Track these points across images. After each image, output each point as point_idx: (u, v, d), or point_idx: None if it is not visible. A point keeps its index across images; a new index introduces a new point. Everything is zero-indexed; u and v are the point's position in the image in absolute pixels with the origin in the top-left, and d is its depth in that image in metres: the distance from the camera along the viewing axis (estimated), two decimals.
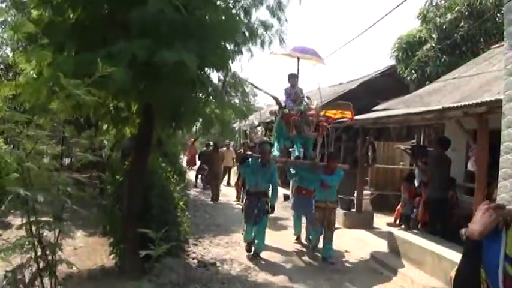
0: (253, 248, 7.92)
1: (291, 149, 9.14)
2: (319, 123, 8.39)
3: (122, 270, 6.03)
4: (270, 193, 7.89)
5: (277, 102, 8.69)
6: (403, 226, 8.82)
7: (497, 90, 6.09)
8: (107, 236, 6.79)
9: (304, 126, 8.18)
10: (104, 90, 4.99)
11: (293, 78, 9.13)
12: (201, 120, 6.41)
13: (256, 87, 9.36)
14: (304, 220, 9.01)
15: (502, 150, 5.40)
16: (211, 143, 18.76)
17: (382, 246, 8.48)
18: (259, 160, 7.68)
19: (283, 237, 9.52)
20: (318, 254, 8.15)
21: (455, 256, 6.51)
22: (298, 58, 9.73)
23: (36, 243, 3.24)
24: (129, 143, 7.92)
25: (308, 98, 8.92)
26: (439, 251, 6.90)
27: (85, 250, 7.53)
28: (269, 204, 7.74)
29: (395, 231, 8.64)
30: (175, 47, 4.54)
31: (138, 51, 4.40)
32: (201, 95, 6.05)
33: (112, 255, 6.49)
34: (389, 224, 9.81)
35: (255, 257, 7.70)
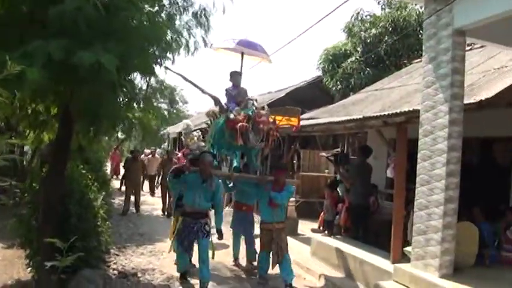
0: (188, 279, 6.86)
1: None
2: (270, 131, 7.00)
3: (39, 284, 5.65)
4: (212, 213, 6.81)
5: (218, 103, 7.41)
6: (326, 232, 8.97)
7: (416, 102, 6.39)
8: (25, 248, 6.35)
9: (252, 135, 6.79)
10: (19, 91, 4.67)
11: (236, 76, 7.91)
12: (121, 125, 6.18)
13: (193, 83, 7.38)
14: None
15: (419, 157, 5.70)
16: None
17: (305, 251, 8.60)
18: (199, 174, 6.33)
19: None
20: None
21: (376, 260, 6.74)
22: (243, 54, 8.33)
23: None
24: (48, 148, 7.51)
25: (254, 100, 7.51)
26: (360, 255, 7.10)
27: (1, 263, 7.02)
28: (210, 228, 6.52)
29: (318, 236, 8.80)
30: (94, 47, 4.33)
31: (55, 51, 4.14)
32: (122, 98, 5.82)
33: (29, 268, 6.07)
34: (313, 230, 9.96)
35: None
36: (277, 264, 6.71)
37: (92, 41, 4.40)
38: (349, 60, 15.94)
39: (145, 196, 17.14)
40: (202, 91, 7.52)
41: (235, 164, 7.82)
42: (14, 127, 9.69)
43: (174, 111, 48.21)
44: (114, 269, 7.05)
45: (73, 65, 4.20)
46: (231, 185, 7.67)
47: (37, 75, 3.94)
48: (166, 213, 13.05)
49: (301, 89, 16.76)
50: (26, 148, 14.49)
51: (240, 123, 6.75)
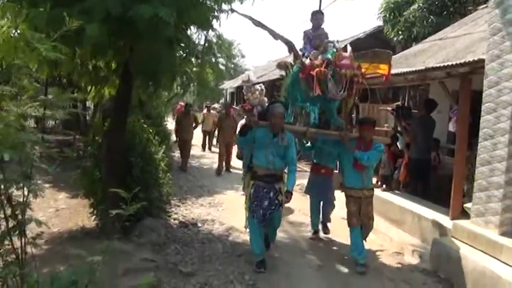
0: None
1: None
2: (354, 78, 5.49)
3: (103, 231, 6.02)
4: (285, 175, 5.77)
5: (292, 49, 6.20)
6: (384, 187, 8.85)
7: (481, 51, 6.01)
8: (89, 198, 6.72)
9: (331, 83, 5.46)
10: (79, 47, 4.83)
11: (318, 16, 6.76)
12: (179, 80, 6.28)
13: (264, 27, 6.21)
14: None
15: (483, 110, 5.43)
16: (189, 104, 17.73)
17: None
18: (270, 129, 5.46)
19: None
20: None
21: (434, 215, 6.62)
22: None
23: (5, 201, 3.17)
24: (110, 103, 7.79)
25: (335, 42, 6.07)
26: (418, 210, 7.00)
27: (67, 212, 7.51)
28: (284, 191, 5.54)
29: (376, 191, 8.70)
30: (151, 1, 4.38)
31: (113, 6, 4.23)
32: (179, 53, 5.88)
33: (93, 217, 6.46)
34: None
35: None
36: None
37: None
38: (411, 8, 15.11)
39: (203, 151, 17.66)
40: (275, 35, 6.27)
41: (312, 119, 6.67)
42: (76, 83, 10.09)
43: (232, 65, 48.35)
44: (175, 219, 7.36)
45: (131, 20, 4.28)
46: (309, 144, 6.80)
47: (96, 31, 4.05)
48: (220, 172, 12.84)
49: (361, 40, 16.17)
50: (88, 104, 15.10)
51: (318, 69, 5.50)
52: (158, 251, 5.72)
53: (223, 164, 12.96)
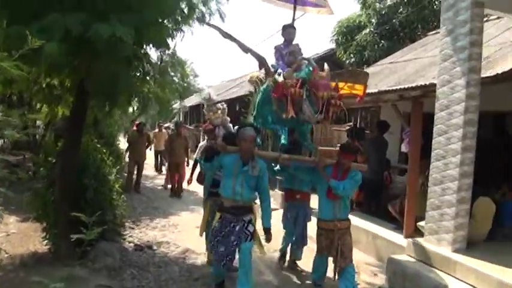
0: None
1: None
2: (331, 100, 4.98)
3: (56, 256, 5.78)
4: (260, 207, 5.13)
5: (264, 65, 5.74)
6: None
7: (431, 75, 6.29)
8: (40, 221, 6.45)
9: (306, 104, 5.01)
10: (36, 66, 4.69)
11: (290, 30, 6.20)
12: (137, 99, 6.20)
13: (234, 40, 5.83)
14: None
15: (435, 132, 5.64)
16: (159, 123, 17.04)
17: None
18: (239, 155, 4.84)
19: None
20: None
21: (389, 234, 6.77)
22: (295, 5, 6.74)
23: None
24: (62, 123, 7.56)
25: (309, 60, 5.55)
26: (373, 229, 7.13)
27: (18, 236, 7.14)
28: (254, 227, 4.98)
29: None
30: (110, 20, 4.32)
31: (72, 24, 4.14)
32: (138, 73, 5.82)
33: (45, 241, 6.20)
34: None
35: None
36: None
37: (107, 14, 4.40)
38: (363, 33, 15.68)
39: (156, 172, 17.33)
40: (245, 49, 5.90)
41: (282, 141, 6.15)
42: (27, 101, 9.76)
43: (185, 84, 47.96)
44: (130, 242, 7.17)
45: (90, 39, 4.20)
46: (277, 167, 6.02)
47: (55, 50, 3.96)
48: (175, 193, 12.25)
49: (321, 57, 16.58)
50: (38, 122, 14.58)
51: (292, 89, 4.97)
52: (114, 276, 5.53)
53: (175, 185, 12.36)
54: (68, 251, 5.53)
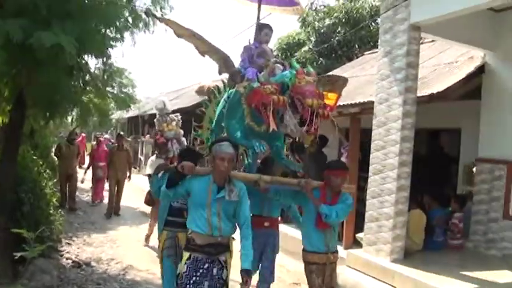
0: None
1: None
2: (319, 110, 4.12)
3: None
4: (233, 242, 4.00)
5: (228, 66, 4.89)
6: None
7: (369, 93, 6.58)
8: None
9: (289, 115, 4.13)
10: None
11: (266, 31, 5.02)
12: (76, 109, 6.02)
13: (190, 34, 4.78)
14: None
15: (372, 147, 5.89)
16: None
17: None
18: (213, 179, 3.80)
19: None
20: None
21: None
22: (260, 3, 5.41)
23: None
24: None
25: (284, 63, 4.62)
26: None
27: None
28: (228, 269, 3.88)
29: None
30: (53, 28, 4.20)
31: (13, 31, 3.99)
32: (78, 82, 5.66)
33: None
34: None
35: None
36: None
37: (50, 21, 4.28)
38: (302, 50, 16.11)
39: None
40: (207, 48, 4.90)
41: (246, 160, 4.97)
42: None
43: (122, 95, 46.86)
44: (67, 258, 6.86)
45: (31, 47, 4.07)
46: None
47: None
48: (111, 213, 10.83)
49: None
50: None
51: (274, 97, 4.01)
52: None
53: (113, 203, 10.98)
54: (4, 268, 5.24)
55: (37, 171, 6.53)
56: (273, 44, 17.35)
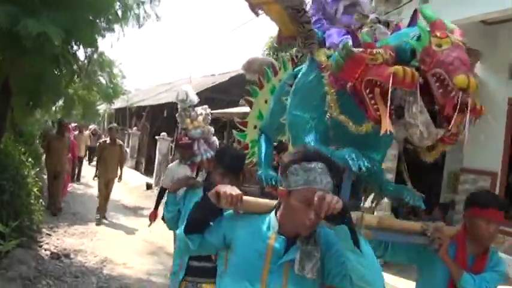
0: None
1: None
2: (467, 98, 1.95)
3: None
4: None
5: (302, 20, 2.54)
6: None
7: None
8: None
9: (416, 105, 2.02)
10: None
11: None
12: (62, 100, 5.93)
13: None
14: None
15: None
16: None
17: None
18: (283, 226, 1.95)
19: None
20: None
21: None
22: None
23: None
24: None
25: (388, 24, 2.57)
26: None
27: None
28: None
29: None
30: (40, 16, 4.13)
31: (0, 17, 3.92)
32: (64, 72, 5.58)
33: None
34: None
35: None
36: None
37: (37, 9, 4.21)
38: (294, 49, 16.07)
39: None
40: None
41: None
42: None
43: (112, 85, 46.56)
44: (46, 249, 6.76)
45: (17, 34, 4.00)
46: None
47: None
48: (104, 216, 9.67)
49: (245, 74, 16.68)
50: None
51: (395, 69, 1.96)
52: (28, 286, 5.18)
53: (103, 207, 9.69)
54: None
55: (19, 159, 6.40)
56: (264, 42, 17.27)
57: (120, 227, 8.82)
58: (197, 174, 5.09)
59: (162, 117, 17.19)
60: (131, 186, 14.13)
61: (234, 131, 3.79)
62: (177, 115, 4.96)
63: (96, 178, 10.04)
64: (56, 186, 9.65)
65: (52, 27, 4.09)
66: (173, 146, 15.71)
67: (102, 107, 30.46)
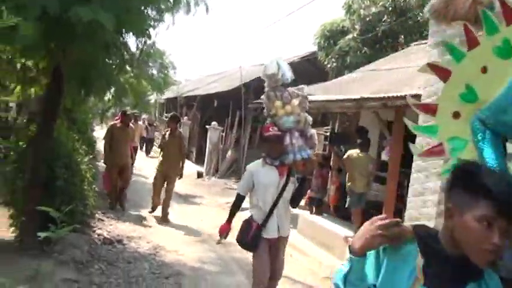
0: None
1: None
2: None
3: (22, 245, 5.51)
4: None
5: None
6: (314, 210, 8.92)
7: (416, 85, 6.26)
8: (8, 208, 6.13)
9: None
10: (10, 44, 4.44)
11: None
12: (113, 89, 5.95)
13: None
14: None
15: (413, 168, 5.57)
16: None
17: (292, 229, 8.58)
18: None
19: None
20: None
21: None
22: None
23: None
24: (37, 106, 7.23)
25: None
26: (349, 235, 7.07)
27: None
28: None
29: (305, 214, 8.76)
30: (91, 3, 4.11)
31: (50, 4, 3.92)
32: (115, 61, 5.58)
33: (12, 228, 5.89)
34: (300, 208, 9.93)
35: None
36: None
37: None
38: (346, 38, 15.67)
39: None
40: None
41: None
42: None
43: (162, 76, 47.41)
44: (99, 235, 6.90)
45: (68, 22, 3.99)
46: None
47: (30, 31, 3.73)
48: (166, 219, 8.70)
49: (295, 63, 16.45)
50: (12, 104, 13.96)
51: None
52: (81, 270, 5.28)
53: (161, 203, 8.89)
54: (35, 241, 5.27)
55: (72, 146, 6.51)
56: (316, 31, 16.97)
57: (172, 215, 8.87)
58: (287, 182, 3.97)
59: (212, 107, 17.26)
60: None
61: (408, 121, 2.29)
62: (263, 96, 3.91)
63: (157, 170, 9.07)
64: (124, 180, 9.07)
65: (104, 14, 4.07)
66: (223, 136, 15.76)
67: (152, 97, 31.14)
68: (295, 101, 3.64)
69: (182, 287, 5.33)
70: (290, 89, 3.75)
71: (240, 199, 4.43)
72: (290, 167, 3.87)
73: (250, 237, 4.13)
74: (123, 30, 5.13)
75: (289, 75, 3.81)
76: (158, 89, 6.49)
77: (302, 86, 3.92)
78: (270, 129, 3.88)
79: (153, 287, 5.27)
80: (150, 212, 9.04)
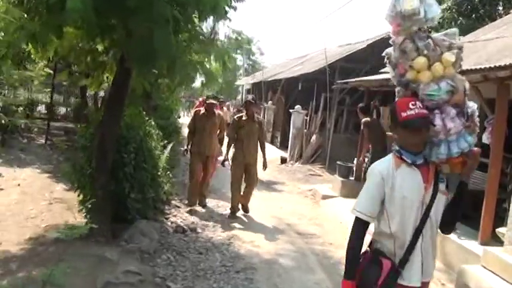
0: None
1: None
2: None
3: (91, 231, 5.43)
4: None
5: None
6: None
7: None
8: (79, 194, 6.13)
9: None
10: (63, 23, 4.26)
11: None
12: (181, 68, 5.64)
13: None
14: None
15: None
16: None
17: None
18: None
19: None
20: None
21: (459, 237, 5.91)
22: None
23: None
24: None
25: None
26: None
27: (60, 206, 6.88)
28: None
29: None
30: None
31: None
32: (177, 37, 5.16)
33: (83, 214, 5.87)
34: None
35: None
36: None
37: None
38: (440, 8, 14.45)
39: None
40: None
41: None
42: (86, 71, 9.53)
43: (250, 62, 47.78)
44: (172, 222, 6.69)
45: None
46: None
47: (78, 4, 3.48)
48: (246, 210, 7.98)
49: (383, 41, 15.34)
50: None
51: None
52: (147, 260, 5.05)
53: (240, 199, 7.88)
54: (103, 227, 5.15)
55: (145, 132, 6.31)
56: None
57: (251, 201, 8.49)
58: (435, 192, 2.40)
59: (296, 90, 16.74)
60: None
61: None
62: (388, 50, 2.67)
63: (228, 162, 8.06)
64: (204, 175, 8.25)
65: None
66: (308, 120, 15.17)
67: (240, 82, 31.31)
68: (449, 57, 2.31)
69: (253, 283, 4.91)
70: (436, 36, 2.39)
71: (362, 229, 2.49)
72: (437, 167, 2.46)
73: (380, 286, 2.39)
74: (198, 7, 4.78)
75: (437, 10, 2.46)
76: (230, 71, 6.18)
77: (453, 30, 2.55)
78: (411, 106, 2.34)
79: (221, 282, 4.89)
80: (232, 216, 7.71)
